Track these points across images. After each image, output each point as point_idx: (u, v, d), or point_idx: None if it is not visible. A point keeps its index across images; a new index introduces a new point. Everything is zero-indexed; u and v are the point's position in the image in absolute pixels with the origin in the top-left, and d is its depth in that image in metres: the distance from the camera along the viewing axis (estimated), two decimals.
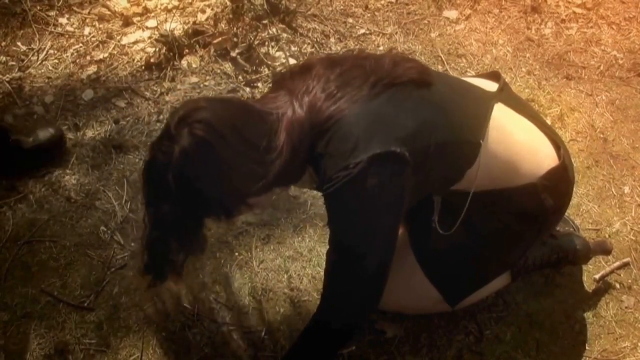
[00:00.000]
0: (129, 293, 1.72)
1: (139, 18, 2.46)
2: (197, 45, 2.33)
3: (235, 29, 2.38)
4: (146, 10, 2.48)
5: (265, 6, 2.42)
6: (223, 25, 2.40)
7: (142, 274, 1.32)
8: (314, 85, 1.25)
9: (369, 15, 2.56)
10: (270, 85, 1.43)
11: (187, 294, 1.72)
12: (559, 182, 1.46)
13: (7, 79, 2.23)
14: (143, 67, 2.29)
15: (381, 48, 2.43)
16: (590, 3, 2.63)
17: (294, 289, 1.75)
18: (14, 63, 2.29)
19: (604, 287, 1.80)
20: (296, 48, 2.38)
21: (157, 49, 2.30)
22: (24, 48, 2.34)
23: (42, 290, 1.72)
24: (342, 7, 2.58)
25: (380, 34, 2.48)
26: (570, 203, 1.61)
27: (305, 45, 2.40)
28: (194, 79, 2.26)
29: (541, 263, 1.67)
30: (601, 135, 2.18)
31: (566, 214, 1.70)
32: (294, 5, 2.48)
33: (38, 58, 2.31)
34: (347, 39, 2.45)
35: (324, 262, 1.36)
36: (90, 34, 2.40)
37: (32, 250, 1.80)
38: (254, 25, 2.39)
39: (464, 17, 2.58)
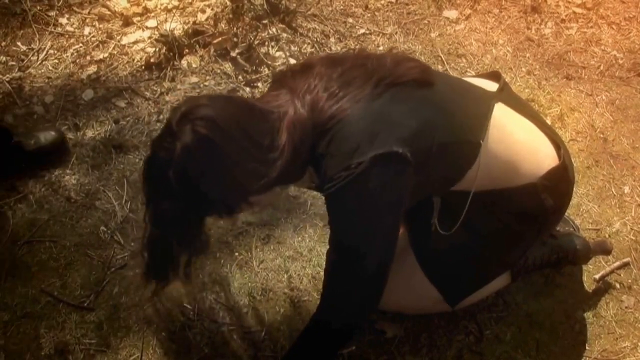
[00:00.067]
0: (129, 293, 1.72)
1: (139, 18, 2.46)
2: (197, 45, 2.33)
3: (235, 29, 2.38)
4: (146, 10, 2.48)
5: (265, 6, 2.42)
6: (223, 25, 2.40)
7: (146, 279, 1.32)
8: (316, 84, 1.25)
9: (369, 15, 2.56)
10: (270, 83, 1.42)
11: (187, 294, 1.72)
12: (559, 182, 1.46)
13: (7, 79, 2.23)
14: (143, 67, 2.29)
15: (381, 48, 2.43)
16: (590, 3, 2.63)
17: (294, 289, 1.75)
18: (14, 63, 2.29)
19: (604, 287, 1.80)
20: (296, 48, 2.38)
21: (157, 49, 2.30)
22: (24, 48, 2.34)
23: (42, 290, 1.72)
24: (342, 7, 2.58)
25: (380, 34, 2.48)
26: (570, 203, 1.61)
27: (305, 45, 2.40)
28: (194, 79, 2.26)
29: (541, 263, 1.67)
30: (601, 135, 2.18)
31: (566, 214, 1.70)
32: (294, 5, 2.48)
33: (38, 58, 2.31)
34: (347, 39, 2.45)
35: (324, 262, 1.36)
36: (90, 34, 2.40)
37: (32, 250, 1.80)
38: (254, 25, 2.39)
39: (464, 17, 2.58)
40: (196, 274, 1.76)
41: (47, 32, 2.39)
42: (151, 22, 2.43)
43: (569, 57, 2.45)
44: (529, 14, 2.60)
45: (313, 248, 1.84)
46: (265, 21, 2.41)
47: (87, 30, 2.41)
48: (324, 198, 1.28)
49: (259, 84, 2.25)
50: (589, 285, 1.80)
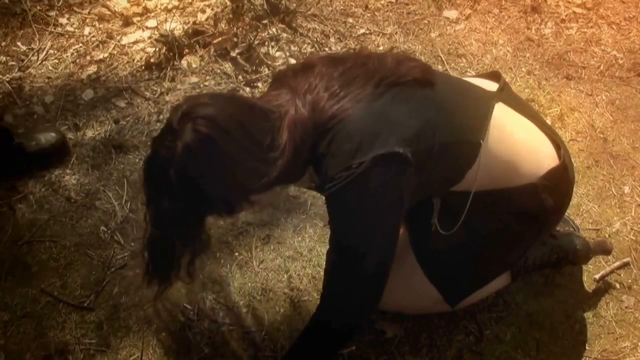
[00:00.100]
0: (129, 293, 1.72)
1: (139, 18, 2.46)
2: (197, 45, 2.33)
3: (235, 29, 2.38)
4: (146, 10, 2.48)
5: (265, 6, 2.42)
6: (223, 25, 2.40)
7: (148, 280, 1.32)
8: (317, 84, 1.25)
9: (369, 15, 2.56)
10: (271, 83, 1.42)
11: (188, 294, 1.72)
12: (559, 182, 1.46)
13: (7, 79, 2.23)
14: (143, 67, 2.29)
15: (381, 48, 2.43)
16: (590, 3, 2.63)
17: (294, 289, 1.75)
18: (14, 63, 2.29)
19: (604, 287, 1.80)
20: (296, 48, 2.38)
21: (157, 49, 2.30)
22: (24, 48, 2.34)
23: (42, 290, 1.72)
24: (342, 7, 2.58)
25: (380, 34, 2.48)
26: (570, 203, 1.61)
27: (305, 45, 2.40)
28: (194, 79, 2.26)
29: (541, 263, 1.67)
30: (601, 135, 2.18)
31: (566, 214, 1.70)
32: (294, 5, 2.48)
33: (38, 58, 2.31)
34: (347, 39, 2.45)
35: (324, 262, 1.36)
36: (90, 34, 2.40)
37: (32, 250, 1.80)
38: (254, 25, 2.39)
39: (464, 17, 2.58)
40: (196, 274, 1.76)
41: (47, 32, 2.39)
42: (151, 22, 2.43)
43: (569, 57, 2.45)
44: (529, 14, 2.60)
45: (313, 248, 1.84)
46: (265, 21, 2.41)
47: (87, 30, 2.41)
48: (324, 198, 1.28)
49: (259, 84, 2.25)
50: (589, 285, 1.80)
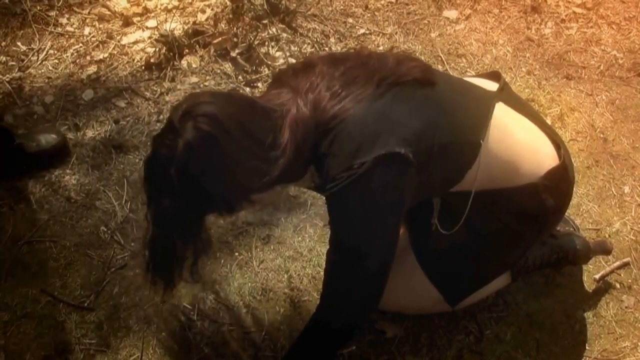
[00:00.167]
0: (129, 293, 1.72)
1: (139, 18, 2.46)
2: (197, 45, 2.33)
3: (235, 29, 2.38)
4: (146, 10, 2.48)
5: (265, 6, 2.42)
6: (223, 25, 2.40)
7: (151, 281, 1.32)
8: (318, 83, 1.25)
9: (369, 15, 2.56)
10: (271, 82, 1.42)
11: (187, 294, 1.72)
12: (560, 182, 1.46)
13: (7, 79, 2.23)
14: (143, 67, 2.29)
15: (381, 48, 2.43)
16: (590, 3, 2.63)
17: (294, 289, 1.75)
18: (14, 63, 2.29)
19: (604, 287, 1.80)
20: (296, 48, 2.38)
21: (157, 49, 2.30)
22: (24, 48, 2.34)
23: (42, 290, 1.72)
24: (342, 7, 2.58)
25: (380, 34, 2.48)
26: (570, 203, 1.61)
27: (305, 45, 2.40)
28: (194, 79, 2.26)
29: (541, 263, 1.67)
30: (601, 135, 2.18)
31: (566, 214, 1.70)
32: (294, 5, 2.48)
33: (38, 58, 2.31)
34: (347, 39, 2.45)
35: (324, 262, 1.36)
36: (90, 34, 2.40)
37: (32, 250, 1.80)
38: (254, 25, 2.39)
39: (464, 17, 2.58)
40: (200, 275, 1.76)
41: (47, 32, 2.39)
42: (151, 22, 2.43)
43: (569, 57, 2.45)
44: (529, 14, 2.60)
45: (313, 248, 1.84)
46: (265, 21, 2.41)
47: (87, 30, 2.41)
48: (324, 198, 1.28)
49: (259, 84, 2.25)
50: (589, 285, 1.80)
